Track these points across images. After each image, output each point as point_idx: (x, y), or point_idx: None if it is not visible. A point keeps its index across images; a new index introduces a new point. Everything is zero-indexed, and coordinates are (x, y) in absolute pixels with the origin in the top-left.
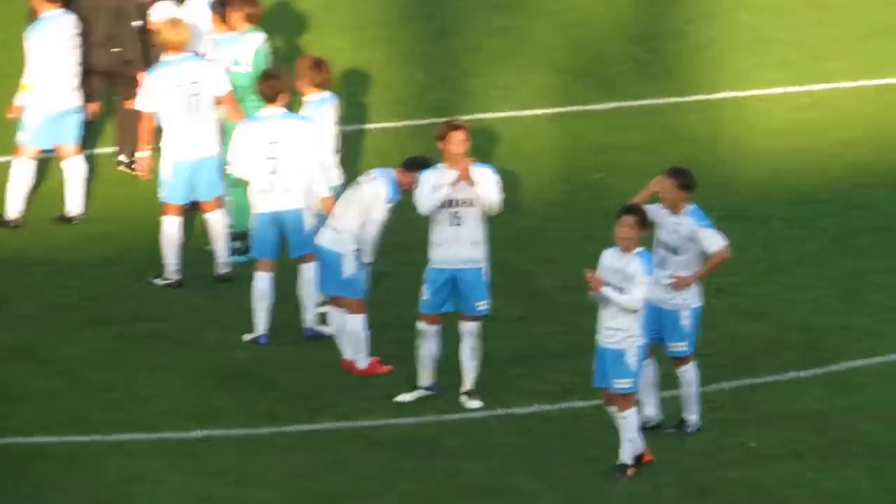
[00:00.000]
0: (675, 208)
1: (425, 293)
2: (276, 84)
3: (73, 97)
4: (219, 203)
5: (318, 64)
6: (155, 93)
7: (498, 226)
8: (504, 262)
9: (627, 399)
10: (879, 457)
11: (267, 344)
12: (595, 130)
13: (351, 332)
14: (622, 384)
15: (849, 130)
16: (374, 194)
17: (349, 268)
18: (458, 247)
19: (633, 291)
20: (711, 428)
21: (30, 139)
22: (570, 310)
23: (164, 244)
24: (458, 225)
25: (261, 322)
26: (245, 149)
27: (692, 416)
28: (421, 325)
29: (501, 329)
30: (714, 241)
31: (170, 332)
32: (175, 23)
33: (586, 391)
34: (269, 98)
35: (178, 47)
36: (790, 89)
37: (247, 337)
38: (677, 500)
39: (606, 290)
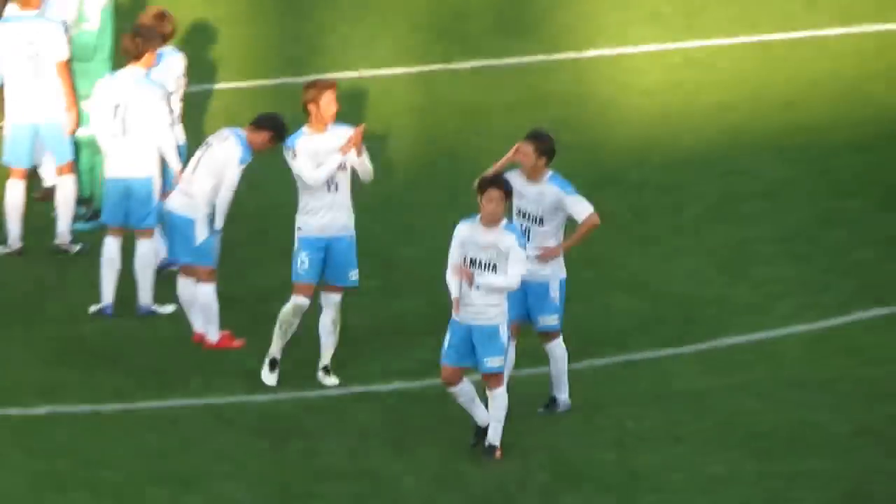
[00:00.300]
0: (534, 176)
1: (304, 262)
2: (141, 43)
3: None
4: (67, 169)
5: (161, 16)
6: None
7: (354, 192)
8: (362, 229)
9: (499, 377)
10: (763, 439)
11: (112, 316)
12: (458, 91)
13: (203, 302)
14: (496, 362)
15: (726, 91)
16: (227, 156)
17: (201, 234)
18: (334, 214)
19: (511, 269)
20: (584, 408)
21: None
22: (432, 281)
23: (6, 210)
24: (336, 191)
25: (107, 291)
26: (98, 107)
27: (563, 395)
28: (299, 300)
29: (360, 302)
30: (582, 208)
31: (11, 302)
32: None
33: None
34: (134, 56)
35: (28, 3)
36: (664, 46)
37: (92, 308)
38: (548, 484)
39: (484, 279)
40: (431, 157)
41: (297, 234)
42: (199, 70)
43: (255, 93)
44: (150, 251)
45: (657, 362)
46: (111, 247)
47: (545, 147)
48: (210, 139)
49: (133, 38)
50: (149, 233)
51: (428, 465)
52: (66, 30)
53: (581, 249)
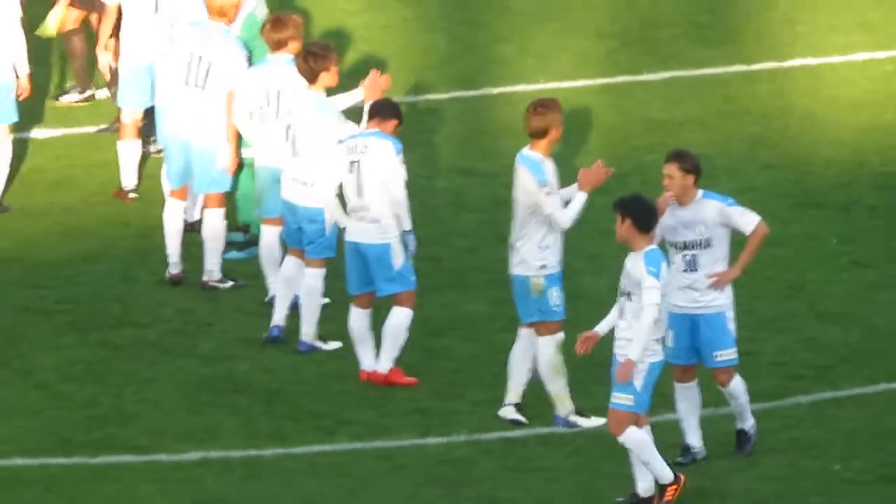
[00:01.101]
0: (685, 199)
1: (557, 297)
2: (314, 64)
3: None
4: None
5: (277, 21)
6: None
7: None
8: None
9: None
10: None
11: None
12: (646, 104)
13: (396, 326)
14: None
15: None
16: (383, 158)
17: (398, 257)
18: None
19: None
20: (789, 449)
21: None
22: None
23: (165, 233)
24: None
25: (281, 310)
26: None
27: (747, 423)
28: (559, 336)
29: None
30: (750, 219)
31: (159, 339)
32: None
33: None
34: (309, 79)
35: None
36: (873, 55)
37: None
38: None
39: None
40: (620, 177)
41: (539, 272)
42: (354, 82)
43: (425, 107)
44: (318, 282)
45: (869, 399)
46: (289, 266)
47: (691, 164)
48: (348, 159)
49: (305, 59)
50: (320, 262)
51: None
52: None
53: (784, 277)
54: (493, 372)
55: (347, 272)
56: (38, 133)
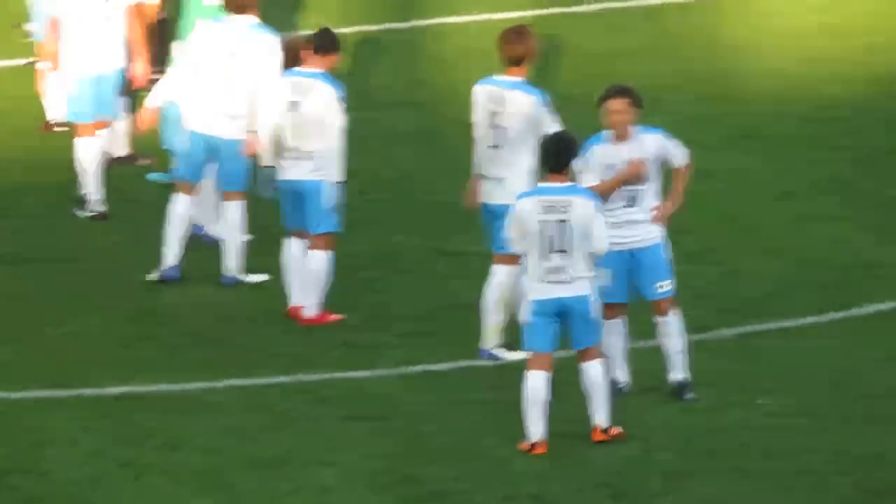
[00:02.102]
0: (626, 135)
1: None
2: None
3: None
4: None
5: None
6: None
7: (470, 149)
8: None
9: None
10: None
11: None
12: (579, 36)
13: (316, 270)
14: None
15: (874, 34)
16: (325, 104)
17: (329, 196)
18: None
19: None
20: (714, 382)
21: None
22: None
23: (80, 170)
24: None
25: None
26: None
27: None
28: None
29: (472, 268)
30: (682, 151)
31: (86, 270)
32: None
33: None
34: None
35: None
36: None
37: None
38: (671, 463)
39: None
40: (557, 112)
41: None
42: (293, 16)
43: (356, 38)
44: (237, 216)
45: (794, 332)
46: (181, 204)
47: (638, 98)
48: (290, 98)
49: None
50: (239, 195)
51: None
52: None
53: (713, 209)
54: (419, 304)
55: (284, 210)
56: None
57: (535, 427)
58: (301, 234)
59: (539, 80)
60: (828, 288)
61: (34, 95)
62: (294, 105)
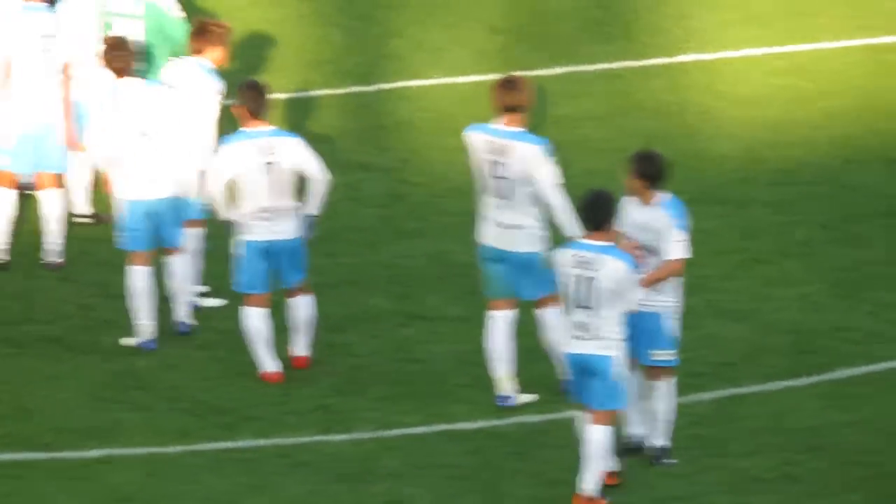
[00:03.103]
0: (644, 198)
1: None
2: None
3: None
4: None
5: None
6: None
7: (437, 212)
8: (443, 251)
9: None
10: (888, 480)
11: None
12: (541, 100)
13: (313, 316)
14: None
15: (836, 98)
16: (300, 159)
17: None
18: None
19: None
20: (690, 447)
21: None
22: (522, 308)
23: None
24: None
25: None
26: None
27: (659, 441)
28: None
29: (443, 331)
30: (676, 249)
31: (61, 336)
32: None
33: (541, 403)
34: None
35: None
36: (767, 50)
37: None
38: None
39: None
40: None
41: (544, 245)
42: (254, 77)
43: (317, 102)
44: (182, 269)
45: (768, 396)
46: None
47: (652, 169)
48: (260, 160)
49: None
50: (177, 250)
51: None
52: None
53: (684, 273)
54: (394, 368)
55: (255, 274)
56: None
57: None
58: (264, 299)
59: None
60: (798, 352)
61: None
62: (268, 167)
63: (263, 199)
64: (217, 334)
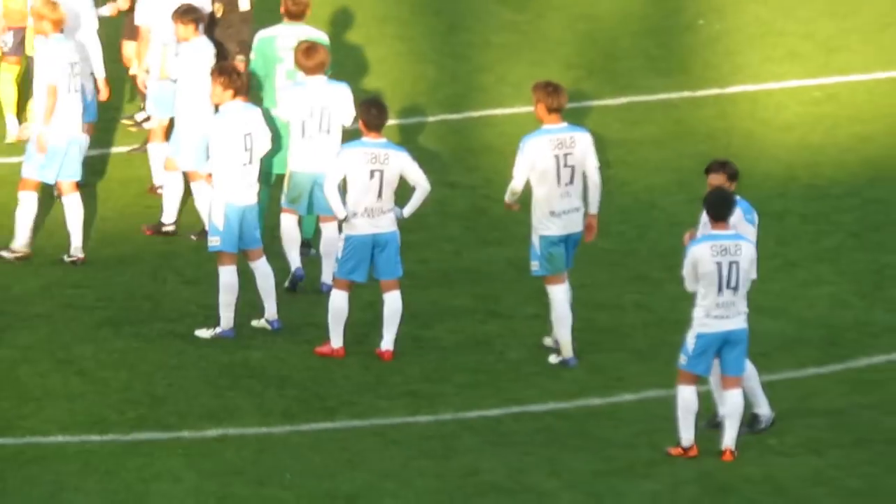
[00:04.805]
0: None
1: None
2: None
3: None
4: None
5: (310, 49)
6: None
7: (514, 222)
8: (519, 259)
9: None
10: None
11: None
12: (608, 126)
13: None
14: None
15: (864, 124)
16: (406, 164)
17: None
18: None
19: None
20: None
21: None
22: (586, 307)
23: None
24: None
25: (228, 315)
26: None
27: (764, 409)
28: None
29: (517, 327)
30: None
31: (185, 331)
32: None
33: (602, 388)
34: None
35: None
36: (803, 82)
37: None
38: (697, 499)
39: None
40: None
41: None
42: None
43: (414, 128)
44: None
45: (799, 382)
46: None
47: (734, 172)
48: (370, 167)
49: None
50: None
51: (583, 482)
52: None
53: None
54: (475, 358)
55: (356, 264)
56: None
57: (687, 433)
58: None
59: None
60: (827, 344)
61: (138, 178)
62: (375, 174)
63: (370, 200)
64: (319, 329)
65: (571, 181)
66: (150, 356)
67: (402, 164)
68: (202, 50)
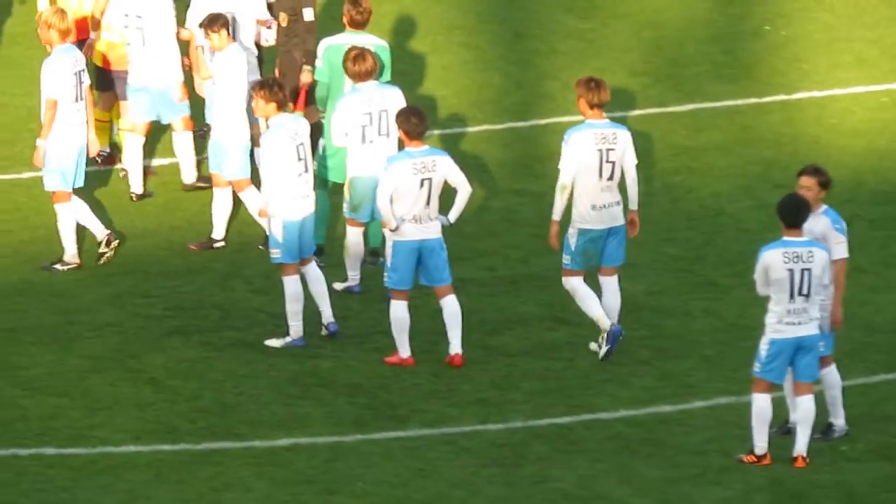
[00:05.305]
0: (814, 208)
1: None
2: None
3: None
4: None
5: (359, 56)
6: None
7: None
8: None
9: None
10: None
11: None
12: (673, 132)
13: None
14: None
15: None
16: (449, 166)
17: None
18: None
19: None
20: None
21: None
22: (654, 313)
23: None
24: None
25: (297, 325)
26: None
27: (839, 420)
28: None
29: (585, 334)
30: (840, 249)
31: (254, 340)
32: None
33: (673, 395)
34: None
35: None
36: (870, 88)
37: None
38: None
39: None
40: (650, 195)
41: None
42: (430, 115)
43: (481, 136)
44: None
45: (869, 388)
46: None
47: (826, 179)
48: (420, 176)
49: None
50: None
51: (653, 489)
52: None
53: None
54: (543, 365)
55: (406, 272)
56: (147, 163)
57: (761, 441)
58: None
59: (638, 170)
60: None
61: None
62: (425, 182)
63: (417, 207)
64: (389, 337)
65: (612, 177)
66: (220, 365)
67: (447, 169)
68: (236, 57)
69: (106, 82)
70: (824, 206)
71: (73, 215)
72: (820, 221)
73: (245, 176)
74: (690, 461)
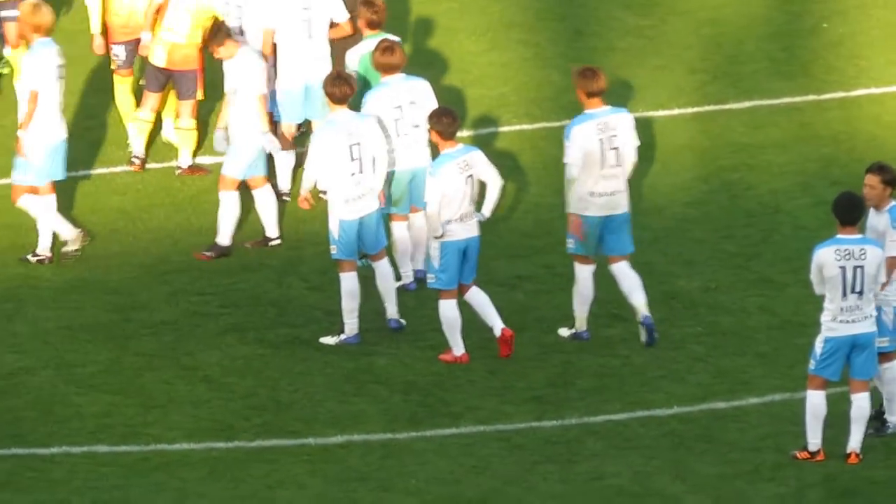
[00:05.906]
0: (880, 206)
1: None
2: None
3: None
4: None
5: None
6: None
7: (637, 226)
8: (644, 262)
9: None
10: None
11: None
12: (732, 129)
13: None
14: None
15: None
16: (488, 169)
17: None
18: None
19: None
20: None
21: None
22: (711, 310)
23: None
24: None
25: (353, 322)
26: None
27: (893, 417)
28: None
29: (640, 330)
30: (893, 247)
31: (310, 338)
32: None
33: (727, 392)
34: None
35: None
36: None
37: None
38: (822, 502)
39: None
40: (707, 193)
41: None
42: (486, 113)
43: (539, 134)
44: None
45: None
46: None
47: (890, 177)
48: (465, 174)
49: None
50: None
51: (708, 485)
52: None
53: None
54: (598, 362)
55: (454, 272)
56: (206, 160)
57: (815, 437)
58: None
59: (696, 168)
60: None
61: None
62: (469, 179)
63: (463, 206)
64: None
65: (616, 164)
66: (275, 362)
67: (482, 164)
68: (246, 62)
69: (161, 83)
70: (893, 202)
71: (50, 208)
72: (882, 218)
73: (241, 177)
74: (744, 458)
